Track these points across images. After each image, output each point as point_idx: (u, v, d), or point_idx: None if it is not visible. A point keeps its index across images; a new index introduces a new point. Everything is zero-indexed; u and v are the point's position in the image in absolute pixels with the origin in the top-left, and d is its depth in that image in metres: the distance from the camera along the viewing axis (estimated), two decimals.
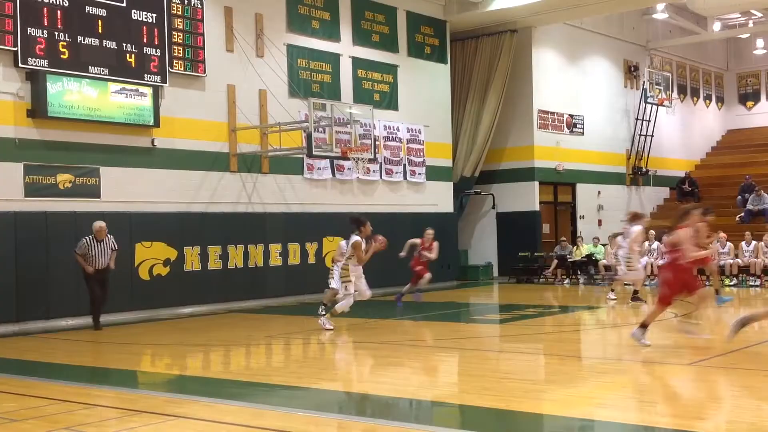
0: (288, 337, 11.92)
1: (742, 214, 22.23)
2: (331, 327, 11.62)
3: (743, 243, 18.95)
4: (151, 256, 14.33)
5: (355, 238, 11.55)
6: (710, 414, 6.50)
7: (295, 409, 6.72)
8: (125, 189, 14.16)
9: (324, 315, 11.95)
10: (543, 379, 8.37)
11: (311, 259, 17.06)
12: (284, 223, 16.59)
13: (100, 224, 12.56)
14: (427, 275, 15.88)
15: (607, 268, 20.31)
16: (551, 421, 6.42)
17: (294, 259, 16.75)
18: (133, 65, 14.04)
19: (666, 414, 6.68)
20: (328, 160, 17.39)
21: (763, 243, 18.46)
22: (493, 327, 12.97)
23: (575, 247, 20.89)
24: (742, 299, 15.48)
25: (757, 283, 18.27)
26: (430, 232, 16.10)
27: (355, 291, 11.71)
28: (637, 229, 13.94)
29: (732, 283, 18.42)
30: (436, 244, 15.96)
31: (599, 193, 23.56)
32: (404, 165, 19.33)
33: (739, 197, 23.04)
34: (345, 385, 7.85)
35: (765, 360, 9.17)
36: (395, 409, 6.95)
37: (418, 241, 15.97)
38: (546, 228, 22.41)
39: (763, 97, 29.36)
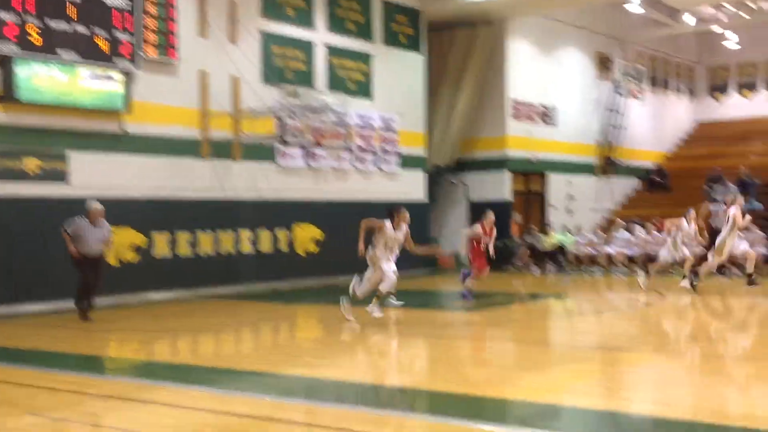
0: (258, 323, 11.94)
1: (711, 203, 22.50)
2: (381, 314, 11.12)
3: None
4: (121, 242, 14.24)
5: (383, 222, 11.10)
6: (675, 400, 6.62)
7: (263, 395, 6.76)
8: (94, 175, 14.04)
9: (374, 303, 11.18)
10: (512, 366, 8.46)
11: (283, 247, 17.06)
12: (256, 210, 16.55)
13: (95, 205, 11.73)
14: (486, 270, 14.07)
15: (577, 257, 20.55)
16: (520, 406, 6.50)
17: (265, 246, 16.74)
18: (104, 50, 13.90)
19: (633, 400, 6.80)
20: (300, 148, 17.39)
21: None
22: (463, 314, 13.05)
23: (545, 236, 21.06)
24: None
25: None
26: (491, 215, 14.06)
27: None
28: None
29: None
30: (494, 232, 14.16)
31: (570, 183, 23.76)
32: (377, 154, 19.35)
33: (706, 188, 23.33)
34: (314, 371, 7.89)
35: (730, 346, 9.34)
36: (364, 395, 7.00)
37: (478, 228, 13.96)
38: (518, 217, 22.57)
39: (732, 89, 29.71)
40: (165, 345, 10.17)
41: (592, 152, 24.81)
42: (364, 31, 19.17)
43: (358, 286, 11.27)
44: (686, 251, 14.43)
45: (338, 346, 9.84)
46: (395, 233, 11.09)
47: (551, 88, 23.36)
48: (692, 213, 14.56)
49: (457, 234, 22.38)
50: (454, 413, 6.25)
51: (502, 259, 21.03)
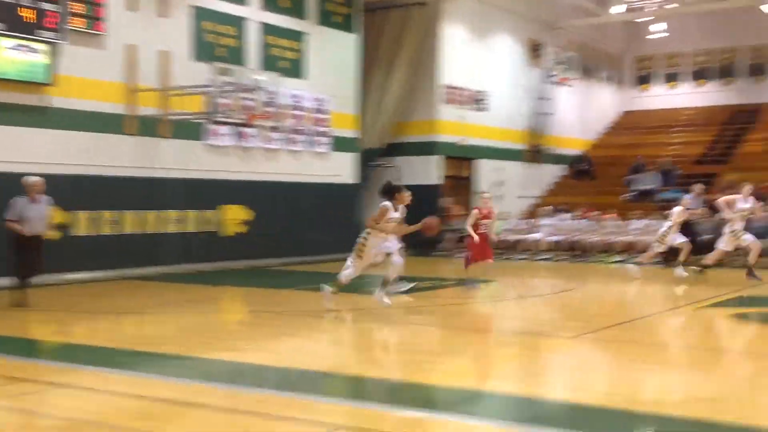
0: (182, 305, 11.80)
1: (633, 192, 23.20)
2: (389, 302, 10.65)
3: (634, 221, 19.85)
4: None
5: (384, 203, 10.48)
6: (591, 385, 6.83)
7: (186, 379, 6.71)
8: (16, 149, 13.61)
9: (380, 290, 10.73)
10: (434, 351, 8.58)
11: (210, 227, 16.87)
12: (183, 189, 16.31)
13: (32, 180, 10.94)
14: (489, 257, 13.12)
15: (513, 243, 20.86)
16: (439, 392, 6.61)
17: (192, 226, 16.52)
18: (28, 20, 13.43)
19: (550, 385, 6.99)
20: (230, 127, 17.18)
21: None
22: (395, 298, 13.09)
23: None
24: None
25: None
26: (486, 193, 13.40)
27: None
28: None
29: (618, 260, 19.19)
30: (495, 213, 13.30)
31: (499, 168, 24.08)
32: (309, 134, 19.25)
33: (629, 177, 23.98)
34: (237, 355, 7.86)
35: (645, 333, 9.65)
36: (285, 379, 7.00)
37: (474, 211, 13.12)
38: (448, 202, 22.78)
39: (658, 80, 30.49)
40: (84, 327, 9.98)
41: (521, 139, 25.18)
42: (298, 10, 18.99)
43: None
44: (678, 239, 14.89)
45: (263, 329, 9.82)
46: (395, 214, 10.46)
47: (483, 74, 23.58)
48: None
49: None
50: (375, 398, 6.32)
51: (430, 244, 21.29)
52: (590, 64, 28.97)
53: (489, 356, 8.30)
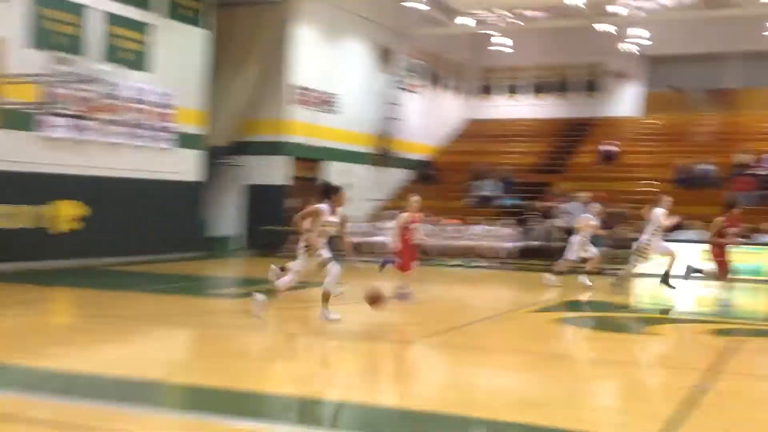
0: (10, 307, 11.16)
1: (475, 199, 24.09)
2: (338, 316, 9.79)
3: (473, 226, 20.65)
4: None
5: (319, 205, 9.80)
6: (423, 391, 7.04)
7: (5, 390, 6.36)
8: None
9: (324, 306, 9.83)
10: (267, 357, 8.55)
11: (42, 223, 16.03)
12: (14, 182, 15.42)
13: None
14: (414, 267, 12.44)
15: (356, 246, 21.00)
16: (272, 400, 6.61)
17: (23, 221, 15.63)
18: None
19: (385, 392, 7.14)
20: (67, 119, 16.38)
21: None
22: (228, 302, 12.96)
23: None
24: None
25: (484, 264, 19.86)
26: (415, 198, 12.67)
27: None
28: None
29: (456, 263, 19.81)
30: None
31: (347, 171, 24.30)
32: (152, 129, 18.67)
33: (471, 183, 24.86)
34: (62, 363, 7.53)
35: (477, 337, 10.03)
36: (113, 389, 6.76)
37: (404, 215, 12.43)
38: (295, 203, 22.75)
39: (501, 91, 31.75)
40: None
41: (370, 142, 25.54)
42: (144, 1, 18.38)
43: (277, 276, 10.16)
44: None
45: (93, 335, 9.42)
46: (332, 217, 9.82)
47: (334, 76, 23.73)
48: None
49: (228, 215, 22.23)
50: (207, 408, 6.24)
51: (275, 246, 21.18)
52: (438, 73, 29.77)
53: (323, 362, 8.37)
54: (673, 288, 13.87)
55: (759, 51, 27.20)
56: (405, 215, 12.45)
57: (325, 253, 9.73)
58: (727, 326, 11.35)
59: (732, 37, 26.81)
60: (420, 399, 6.75)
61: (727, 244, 13.65)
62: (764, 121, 26.19)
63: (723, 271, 13.50)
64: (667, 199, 14.09)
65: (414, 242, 12.50)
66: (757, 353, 9.57)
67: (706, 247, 14.20)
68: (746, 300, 14.49)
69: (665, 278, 13.91)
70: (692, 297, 14.53)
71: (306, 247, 9.78)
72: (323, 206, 9.76)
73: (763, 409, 6.69)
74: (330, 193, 9.92)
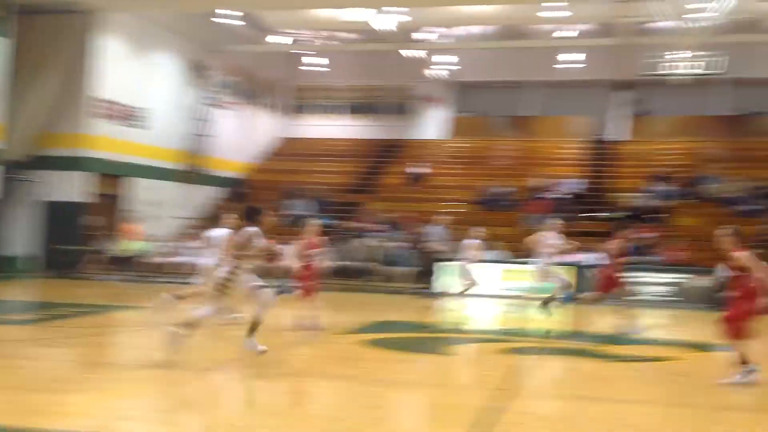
0: None
1: (287, 218, 24.02)
2: (264, 348, 9.15)
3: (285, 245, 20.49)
4: None
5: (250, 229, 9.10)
6: (187, 420, 6.86)
7: None
8: None
9: (250, 336, 9.17)
10: (63, 389, 8.01)
11: None
12: None
13: None
14: (316, 292, 12.05)
15: (156, 265, 20.29)
16: None
17: None
18: None
19: (182, 425, 6.88)
20: None
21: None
22: (18, 329, 12.03)
23: (121, 242, 20.36)
24: None
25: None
26: (315, 221, 12.41)
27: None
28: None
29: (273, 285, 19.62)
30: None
31: (154, 188, 23.52)
32: None
33: (284, 202, 24.81)
34: None
35: (290, 366, 9.92)
36: None
37: (302, 242, 12.15)
38: (96, 220, 21.72)
39: (316, 110, 31.99)
40: None
41: (179, 159, 24.86)
42: None
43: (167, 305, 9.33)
44: None
45: None
46: (262, 242, 9.11)
47: (142, 90, 22.95)
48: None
49: (23, 233, 20.83)
50: None
51: (72, 265, 20.05)
52: (253, 90, 29.53)
53: (126, 392, 7.95)
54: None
55: (553, 81, 29.18)
56: (302, 242, 12.12)
57: (255, 281, 9.14)
58: (521, 345, 11.95)
59: (530, 67, 28.63)
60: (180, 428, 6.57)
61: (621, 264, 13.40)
62: (559, 147, 28.11)
63: (610, 290, 13.33)
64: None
65: (315, 268, 12.20)
66: (550, 371, 10.13)
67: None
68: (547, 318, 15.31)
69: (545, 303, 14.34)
70: (495, 316, 15.20)
71: (228, 277, 9.01)
72: (255, 230, 9.10)
73: (555, 428, 7.07)
74: (255, 215, 9.23)
